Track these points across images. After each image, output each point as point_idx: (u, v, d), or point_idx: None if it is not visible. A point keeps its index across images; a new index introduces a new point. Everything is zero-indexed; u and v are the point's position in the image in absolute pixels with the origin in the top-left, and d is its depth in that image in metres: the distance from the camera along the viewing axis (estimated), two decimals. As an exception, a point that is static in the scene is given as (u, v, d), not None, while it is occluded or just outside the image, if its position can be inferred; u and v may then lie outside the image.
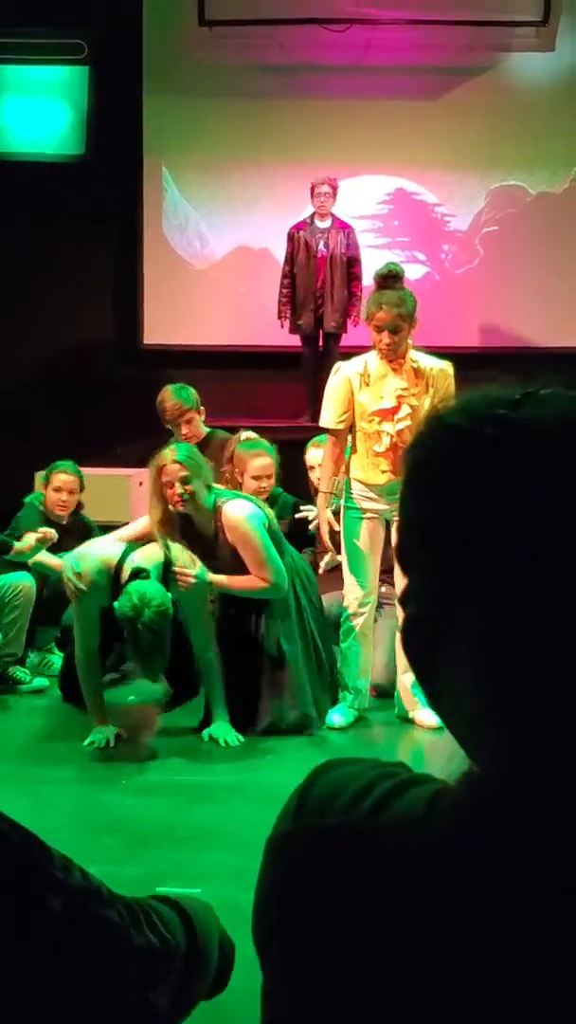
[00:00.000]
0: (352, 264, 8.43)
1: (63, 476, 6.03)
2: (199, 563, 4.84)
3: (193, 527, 4.93)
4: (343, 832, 0.79)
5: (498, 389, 0.79)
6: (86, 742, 4.77)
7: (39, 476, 7.64)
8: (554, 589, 0.72)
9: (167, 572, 4.75)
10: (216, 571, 4.89)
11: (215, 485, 5.00)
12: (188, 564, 4.79)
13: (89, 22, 8.96)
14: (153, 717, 5.20)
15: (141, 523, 4.99)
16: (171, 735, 4.97)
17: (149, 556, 4.78)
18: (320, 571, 5.40)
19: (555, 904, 0.71)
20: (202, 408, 6.04)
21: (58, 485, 6.01)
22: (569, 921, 0.71)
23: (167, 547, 4.79)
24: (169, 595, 4.64)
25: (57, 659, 5.79)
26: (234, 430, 6.14)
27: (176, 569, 4.75)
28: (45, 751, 4.82)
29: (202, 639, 4.91)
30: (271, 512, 5.12)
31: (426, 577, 0.80)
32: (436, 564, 0.78)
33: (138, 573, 4.66)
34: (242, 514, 4.87)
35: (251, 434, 6.00)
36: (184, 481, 4.77)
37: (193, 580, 4.76)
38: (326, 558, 5.41)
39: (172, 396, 5.95)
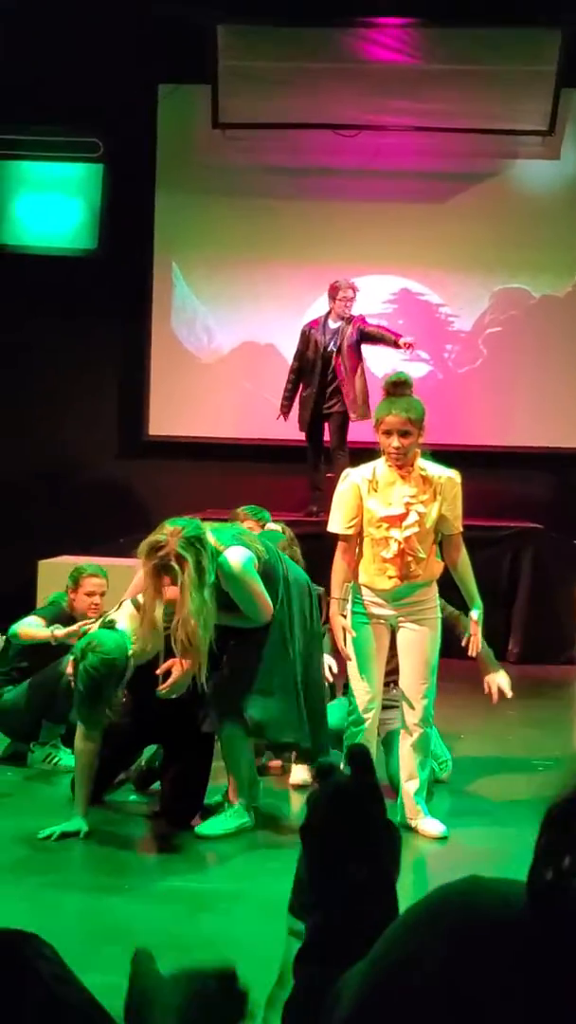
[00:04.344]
0: (361, 341, 8.45)
1: (95, 580, 6.02)
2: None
3: None
4: None
5: None
6: (41, 834, 4.70)
7: (42, 564, 7.67)
8: None
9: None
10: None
11: (211, 542, 4.62)
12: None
13: (105, 122, 9.18)
14: (152, 815, 5.13)
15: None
16: (170, 834, 4.92)
17: (127, 612, 4.82)
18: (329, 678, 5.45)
19: None
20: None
21: (91, 589, 6.00)
22: None
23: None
24: (127, 650, 4.64)
25: (64, 755, 5.73)
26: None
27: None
28: (48, 852, 4.74)
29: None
30: (260, 548, 4.87)
31: None
32: None
33: (109, 624, 4.77)
34: (238, 561, 4.68)
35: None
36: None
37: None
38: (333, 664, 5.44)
39: None
